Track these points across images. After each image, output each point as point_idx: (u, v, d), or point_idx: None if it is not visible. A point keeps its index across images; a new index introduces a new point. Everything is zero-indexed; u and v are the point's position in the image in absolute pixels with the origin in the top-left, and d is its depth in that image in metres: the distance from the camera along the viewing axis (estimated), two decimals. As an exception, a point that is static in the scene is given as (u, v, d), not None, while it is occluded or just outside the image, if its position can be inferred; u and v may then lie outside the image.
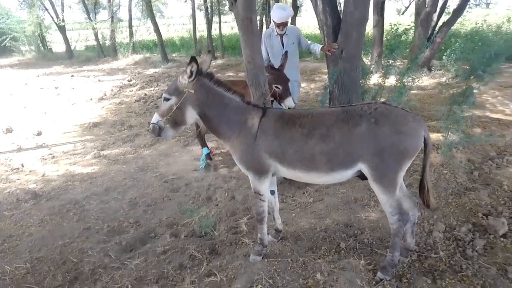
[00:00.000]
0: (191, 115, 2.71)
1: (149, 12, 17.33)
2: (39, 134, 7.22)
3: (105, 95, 10.99)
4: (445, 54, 10.10)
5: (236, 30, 25.00)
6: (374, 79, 6.89)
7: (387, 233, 3.08)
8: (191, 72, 2.58)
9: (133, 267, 3.06)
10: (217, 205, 4.10)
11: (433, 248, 2.88)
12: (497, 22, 15.86)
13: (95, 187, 4.78)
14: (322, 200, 3.80)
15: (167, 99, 2.70)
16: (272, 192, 2.97)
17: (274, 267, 2.73)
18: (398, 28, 8.46)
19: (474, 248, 2.85)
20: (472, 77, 8.74)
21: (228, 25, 28.66)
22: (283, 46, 4.79)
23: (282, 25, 4.60)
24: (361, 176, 2.54)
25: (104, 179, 5.02)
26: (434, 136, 5.14)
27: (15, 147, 6.39)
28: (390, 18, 18.58)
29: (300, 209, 3.71)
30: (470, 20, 13.41)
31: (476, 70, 8.72)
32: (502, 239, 2.93)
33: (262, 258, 2.87)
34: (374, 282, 2.53)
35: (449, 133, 4.44)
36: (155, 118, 2.74)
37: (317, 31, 20.67)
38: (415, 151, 2.40)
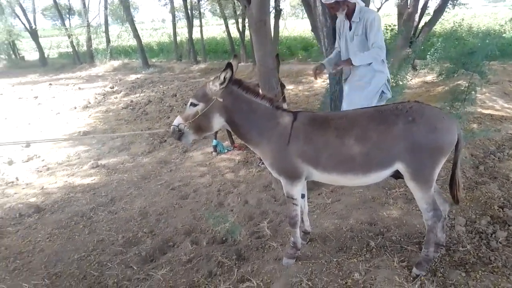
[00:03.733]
0: (218, 122, 2.68)
1: (128, 17, 17.02)
2: (27, 145, 6.92)
3: (89, 103, 10.72)
4: (428, 53, 10.43)
5: (213, 33, 25.01)
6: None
7: (413, 230, 3.14)
8: (225, 78, 2.55)
9: (160, 277, 2.98)
10: (231, 210, 4.06)
11: (459, 241, 2.95)
12: (472, 22, 16.54)
13: (100, 198, 4.63)
14: (339, 200, 3.82)
15: (194, 105, 2.65)
16: (303, 196, 2.95)
17: (310, 269, 2.73)
18: (392, 29, 8.71)
19: (497, 240, 2.93)
20: (456, 75, 9.04)
21: (208, 28, 28.53)
22: (351, 34, 3.65)
23: (331, 9, 3.62)
24: (394, 175, 2.58)
25: (108, 189, 4.87)
26: (434, 133, 5.28)
27: (5, 160, 6.12)
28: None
29: (320, 210, 3.72)
30: (448, 20, 13.90)
31: (460, 68, 9.03)
32: (522, 229, 3.03)
33: (296, 261, 2.86)
34: (411, 278, 2.57)
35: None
36: (177, 120, 2.69)
37: (305, 34, 20.91)
38: (450, 147, 2.45)
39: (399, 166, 2.45)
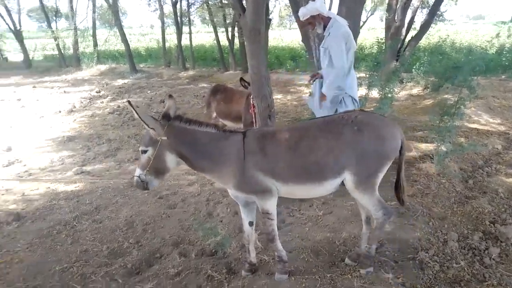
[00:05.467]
0: (171, 160, 2.64)
1: (117, 22, 16.84)
2: (9, 149, 6.70)
3: (75, 107, 10.48)
4: (414, 67, 10.61)
5: (202, 41, 24.97)
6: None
7: (406, 245, 3.10)
8: (138, 117, 2.47)
9: (146, 292, 2.86)
10: (221, 221, 3.95)
11: (452, 257, 2.93)
12: (455, 37, 16.96)
13: (84, 206, 4.47)
14: (331, 212, 3.77)
15: (144, 151, 2.61)
16: (251, 224, 2.90)
17: (303, 285, 2.66)
18: (379, 42, 8.84)
19: (491, 256, 2.92)
20: (442, 89, 9.16)
21: (197, 35, 28.45)
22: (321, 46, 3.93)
23: (309, 25, 3.84)
24: None
25: (92, 197, 4.71)
26: (424, 146, 5.32)
27: (-16, 164, 5.88)
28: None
29: (311, 222, 3.66)
30: (433, 35, 14.19)
31: (445, 83, 9.15)
32: (514, 246, 3.03)
33: (288, 276, 2.78)
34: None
35: (442, 143, 4.59)
36: (137, 171, 2.66)
37: (292, 44, 21.02)
38: (395, 153, 2.56)
39: (347, 174, 2.51)
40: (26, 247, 3.61)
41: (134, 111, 2.44)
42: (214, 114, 5.79)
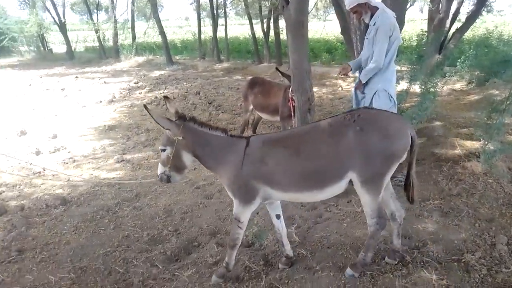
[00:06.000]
0: (188, 158, 2.78)
1: (155, 15, 17.20)
2: (54, 137, 7.04)
3: (115, 97, 10.83)
4: (458, 61, 10.11)
5: (236, 33, 25.00)
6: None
7: (450, 246, 2.99)
8: (156, 121, 2.64)
9: (186, 279, 2.93)
10: (257, 213, 3.95)
11: (501, 261, 2.79)
12: (503, 29, 15.99)
13: (125, 193, 4.64)
14: (370, 209, 3.69)
15: (163, 150, 2.77)
16: (278, 216, 2.94)
17: (343, 281, 2.63)
18: (419, 34, 8.52)
19: (543, 262, 2.76)
20: (488, 84, 8.70)
21: (230, 27, 28.54)
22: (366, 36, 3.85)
23: (355, 13, 3.78)
24: None
25: (133, 185, 4.86)
26: (469, 144, 5.08)
27: (32, 150, 6.21)
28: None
29: (350, 219, 3.60)
30: (478, 27, 13.45)
31: (492, 77, 8.68)
32: None
33: (329, 272, 2.75)
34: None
35: (490, 141, 4.36)
36: (160, 168, 2.82)
37: (328, 37, 20.64)
38: (404, 151, 2.47)
39: (352, 176, 2.44)
40: (72, 230, 3.81)
41: (149, 114, 2.58)
42: (251, 107, 5.81)
